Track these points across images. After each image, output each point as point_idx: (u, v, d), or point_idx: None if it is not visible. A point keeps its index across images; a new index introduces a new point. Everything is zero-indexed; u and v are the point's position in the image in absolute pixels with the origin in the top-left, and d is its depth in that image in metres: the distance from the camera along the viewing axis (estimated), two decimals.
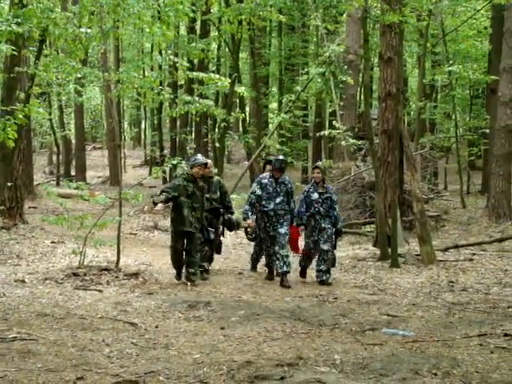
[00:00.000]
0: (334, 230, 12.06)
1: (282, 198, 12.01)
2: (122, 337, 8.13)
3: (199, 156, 12.21)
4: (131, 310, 9.69)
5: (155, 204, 11.50)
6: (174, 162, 14.74)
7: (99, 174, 35.38)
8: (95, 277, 11.89)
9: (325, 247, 11.95)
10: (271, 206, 11.99)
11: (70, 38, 12.74)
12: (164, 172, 23.46)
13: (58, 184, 30.16)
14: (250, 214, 12.13)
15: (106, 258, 13.93)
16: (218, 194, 12.49)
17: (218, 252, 12.96)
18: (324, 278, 11.93)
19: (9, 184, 16.44)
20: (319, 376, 6.49)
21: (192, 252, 11.63)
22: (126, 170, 35.33)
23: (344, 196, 19.89)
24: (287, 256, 11.84)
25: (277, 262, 11.86)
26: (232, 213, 12.76)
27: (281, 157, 12.59)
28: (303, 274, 12.54)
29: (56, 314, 9.21)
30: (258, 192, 12.10)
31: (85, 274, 11.97)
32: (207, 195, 12.11)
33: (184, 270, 11.75)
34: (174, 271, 11.97)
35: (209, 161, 12.54)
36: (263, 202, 12.06)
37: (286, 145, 28.41)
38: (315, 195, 12.01)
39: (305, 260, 12.45)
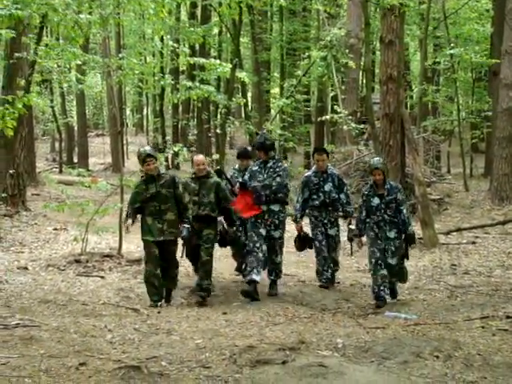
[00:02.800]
0: (403, 237, 9.57)
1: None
2: (125, 323, 8.14)
3: (146, 147, 9.98)
4: (133, 296, 9.72)
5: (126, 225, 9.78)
6: (176, 149, 14.72)
7: (101, 161, 35.34)
8: (97, 263, 11.92)
9: (392, 262, 9.45)
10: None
11: (69, 24, 12.70)
12: (166, 159, 23.46)
13: (60, 171, 30.14)
14: (299, 215, 10.63)
15: (108, 245, 13.93)
16: (213, 197, 9.73)
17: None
18: (388, 298, 9.50)
19: (11, 171, 16.44)
20: (321, 360, 6.50)
21: (170, 269, 9.51)
22: (128, 157, 35.30)
23: (346, 180, 19.85)
24: (280, 263, 10.10)
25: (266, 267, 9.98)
26: (232, 224, 10.17)
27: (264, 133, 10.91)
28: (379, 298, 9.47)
29: (58, 300, 9.24)
30: (243, 178, 10.17)
31: (87, 261, 12.00)
32: (194, 198, 9.73)
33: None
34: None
35: (200, 156, 10.20)
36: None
37: (288, 130, 28.35)
38: (375, 200, 9.51)
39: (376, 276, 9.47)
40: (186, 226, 9.36)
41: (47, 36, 17.86)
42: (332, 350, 6.92)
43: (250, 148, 11.79)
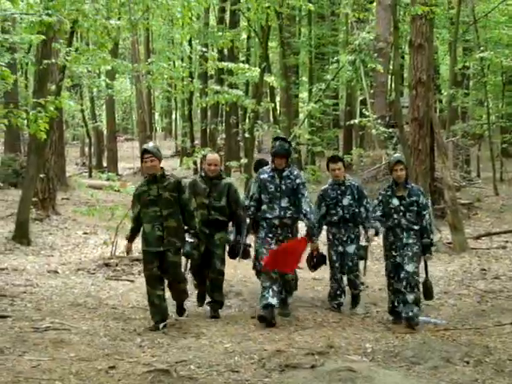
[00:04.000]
0: (422, 243, 8.50)
1: (287, 199, 8.62)
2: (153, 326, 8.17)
3: (150, 144, 8.77)
4: None
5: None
6: (204, 153, 14.76)
7: (130, 165, 35.51)
8: (127, 267, 11.98)
9: (409, 268, 8.30)
10: (276, 212, 8.63)
11: (98, 29, 12.80)
12: (194, 162, 23.54)
13: (90, 175, 30.34)
14: (316, 233, 8.97)
15: (137, 249, 13.96)
16: (225, 201, 8.91)
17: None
18: (410, 313, 8.22)
19: (41, 176, 16.57)
20: (350, 364, 6.48)
21: (174, 282, 8.38)
22: None
23: (375, 185, 19.80)
24: (293, 280, 9.22)
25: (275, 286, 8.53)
26: (241, 232, 9.00)
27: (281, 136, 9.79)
28: (394, 313, 8.70)
29: (88, 303, 9.29)
30: (257, 194, 8.80)
31: (116, 265, 12.07)
32: (205, 200, 8.87)
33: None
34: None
35: (214, 155, 9.40)
36: (264, 207, 8.70)
37: (317, 134, 28.31)
38: (394, 202, 8.55)
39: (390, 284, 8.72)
40: (190, 240, 8.23)
41: (77, 41, 17.99)
42: (361, 355, 6.91)
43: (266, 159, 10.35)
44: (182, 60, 27.35)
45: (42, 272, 11.67)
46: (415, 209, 8.45)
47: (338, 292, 9.42)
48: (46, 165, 17.23)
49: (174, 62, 22.74)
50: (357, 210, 9.27)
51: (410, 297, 8.19)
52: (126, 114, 52.39)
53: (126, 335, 7.74)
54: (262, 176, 8.70)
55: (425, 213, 8.46)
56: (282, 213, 8.53)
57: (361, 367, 6.36)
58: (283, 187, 8.56)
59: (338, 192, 9.33)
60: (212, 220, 8.89)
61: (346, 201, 9.29)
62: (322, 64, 33.07)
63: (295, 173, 8.66)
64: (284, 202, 8.53)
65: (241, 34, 30.51)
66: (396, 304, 8.49)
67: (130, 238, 8.58)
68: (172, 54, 21.37)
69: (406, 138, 15.24)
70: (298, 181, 8.57)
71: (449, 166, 15.63)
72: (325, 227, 9.53)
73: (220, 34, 22.15)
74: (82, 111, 32.59)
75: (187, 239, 8.22)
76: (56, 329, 7.77)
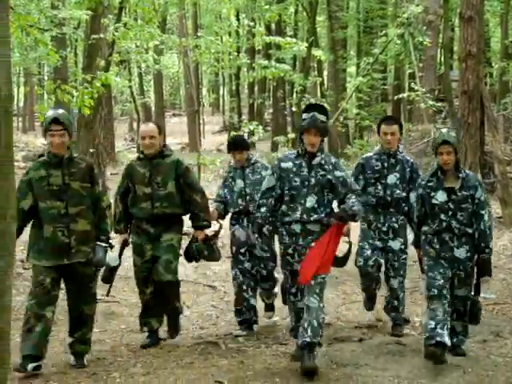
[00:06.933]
0: (475, 259, 6.11)
1: (315, 197, 5.91)
2: (202, 299, 8.26)
3: (59, 110, 6.07)
4: (210, 274, 9.82)
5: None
6: (251, 127, 14.79)
7: (178, 141, 35.69)
8: None
9: (461, 293, 6.13)
10: (297, 214, 5.91)
11: (146, 5, 12.85)
12: None
13: (138, 151, 30.59)
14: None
15: (186, 223, 14.08)
16: (172, 187, 6.58)
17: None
18: (455, 339, 6.14)
19: (91, 150, 16.75)
20: (398, 338, 6.49)
21: (81, 306, 6.09)
22: (204, 136, 35.56)
23: (424, 159, 19.63)
24: (321, 312, 5.81)
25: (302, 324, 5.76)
26: (202, 226, 6.89)
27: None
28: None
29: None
30: (278, 189, 6.03)
31: None
32: (146, 190, 6.54)
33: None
34: None
35: (149, 125, 6.76)
36: (283, 208, 6.01)
37: (364, 109, 28.11)
38: (440, 196, 6.07)
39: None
40: (103, 244, 6.04)
41: (125, 16, 18.05)
42: (409, 329, 6.92)
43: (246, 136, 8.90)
44: (230, 35, 27.36)
45: None
46: (469, 207, 6.03)
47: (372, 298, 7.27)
48: (96, 140, 17.40)
49: (221, 37, 22.76)
50: (404, 194, 6.98)
51: (457, 325, 6.19)
52: (173, 89, 52.58)
53: None
54: (282, 164, 6.00)
55: (483, 212, 6.03)
56: (305, 216, 5.85)
57: (409, 340, 6.37)
58: (312, 180, 5.89)
59: (385, 165, 7.01)
60: (158, 215, 6.58)
61: (392, 178, 6.97)
62: (370, 38, 32.75)
63: (332, 161, 5.99)
64: (310, 202, 5.87)
65: (288, 8, 30.35)
66: (441, 329, 5.92)
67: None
68: (219, 28, 21.39)
69: (456, 112, 15.06)
70: (337, 173, 5.91)
71: (499, 140, 15.41)
72: None
73: (267, 7, 22.09)
74: (130, 87, 32.81)
75: (99, 244, 6.02)
76: (107, 301, 7.88)
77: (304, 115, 5.94)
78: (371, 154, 7.20)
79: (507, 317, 7.13)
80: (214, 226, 7.15)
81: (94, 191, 6.02)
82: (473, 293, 6.12)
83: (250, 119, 30.61)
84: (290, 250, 5.93)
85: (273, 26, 29.24)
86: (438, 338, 5.78)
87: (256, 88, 34.53)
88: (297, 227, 5.89)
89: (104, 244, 6.04)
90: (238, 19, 20.64)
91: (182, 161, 6.74)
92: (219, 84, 47.42)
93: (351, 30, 34.78)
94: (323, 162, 5.91)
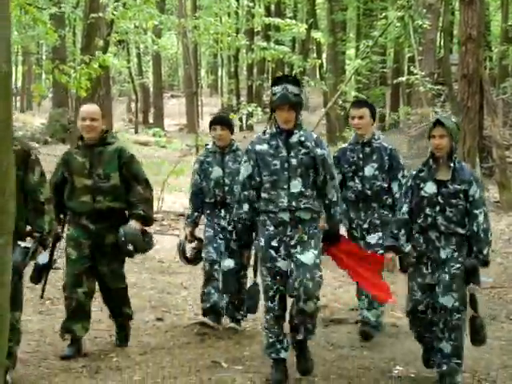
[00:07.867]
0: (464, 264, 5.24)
1: (300, 180, 5.17)
2: (199, 280, 8.26)
3: None
4: None
5: None
6: (250, 109, 14.75)
7: (176, 122, 35.65)
8: (173, 222, 12.08)
9: (445, 301, 5.14)
10: (283, 201, 5.15)
11: None
12: (240, 119, 23.52)
13: (136, 131, 30.53)
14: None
15: (183, 204, 14.10)
16: (116, 178, 5.79)
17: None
18: (444, 367, 5.09)
19: None
20: (394, 320, 6.53)
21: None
22: (202, 118, 35.52)
23: (422, 142, 19.62)
24: (315, 313, 5.21)
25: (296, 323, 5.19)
26: (138, 215, 5.80)
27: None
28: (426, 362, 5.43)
29: (136, 257, 9.39)
30: (256, 176, 5.29)
31: (163, 219, 12.18)
32: (86, 182, 5.78)
33: None
34: None
35: (91, 107, 6.03)
36: (264, 195, 5.23)
37: (363, 92, 28.08)
38: (429, 188, 5.23)
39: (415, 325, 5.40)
40: (23, 244, 4.96)
41: None
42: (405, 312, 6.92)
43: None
44: (229, 16, 27.24)
45: None
46: (461, 203, 5.15)
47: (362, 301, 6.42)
48: None
49: (220, 18, 22.68)
50: (385, 185, 6.34)
51: (445, 345, 5.11)
52: (172, 70, 52.45)
53: (173, 288, 7.85)
54: (256, 147, 5.26)
55: (477, 212, 5.14)
56: (294, 203, 5.13)
57: (404, 323, 6.38)
58: (294, 162, 5.15)
59: (360, 156, 6.39)
60: (100, 210, 5.79)
61: (369, 169, 6.35)
62: (369, 20, 32.64)
63: (313, 137, 5.27)
64: (295, 186, 5.14)
65: None
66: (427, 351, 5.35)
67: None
68: (219, 9, 21.27)
69: (455, 96, 15.04)
70: (318, 151, 5.19)
71: (498, 124, 15.41)
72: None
73: None
74: (129, 67, 32.74)
75: (19, 243, 4.91)
76: None
77: (274, 89, 5.17)
78: (346, 145, 6.63)
79: (503, 300, 7.15)
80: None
81: (27, 180, 5.04)
82: (468, 307, 5.20)
83: (248, 101, 30.57)
84: (274, 243, 5.13)
85: (272, 7, 29.17)
86: (439, 361, 5.12)
87: (255, 70, 34.47)
88: (285, 215, 5.11)
89: (24, 244, 4.96)
90: (237, 0, 20.55)
91: (125, 148, 5.96)
92: (218, 65, 47.29)
93: (351, 12, 34.67)
94: (303, 138, 5.18)
